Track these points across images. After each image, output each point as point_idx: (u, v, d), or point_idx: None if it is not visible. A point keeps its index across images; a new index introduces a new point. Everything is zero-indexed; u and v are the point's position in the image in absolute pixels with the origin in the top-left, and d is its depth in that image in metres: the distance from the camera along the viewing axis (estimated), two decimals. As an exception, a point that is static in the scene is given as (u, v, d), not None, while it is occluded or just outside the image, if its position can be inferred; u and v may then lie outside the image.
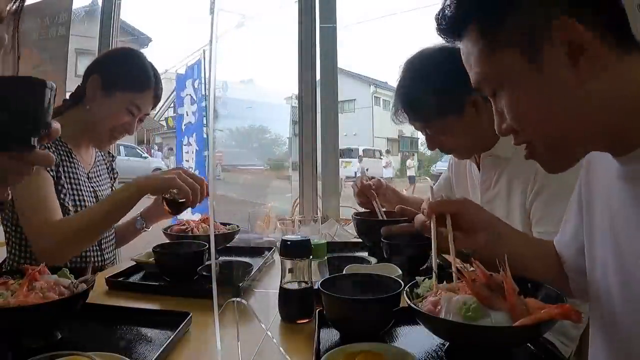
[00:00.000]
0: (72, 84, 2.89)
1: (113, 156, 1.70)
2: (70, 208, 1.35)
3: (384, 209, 1.56)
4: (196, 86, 3.87)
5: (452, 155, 1.47)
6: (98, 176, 1.53)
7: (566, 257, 0.91)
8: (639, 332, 0.67)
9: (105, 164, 1.63)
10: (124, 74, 1.41)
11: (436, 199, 0.97)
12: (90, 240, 1.33)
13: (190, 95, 3.91)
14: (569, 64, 0.64)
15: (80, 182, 1.41)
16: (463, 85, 1.22)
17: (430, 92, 1.24)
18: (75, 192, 1.38)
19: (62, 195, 1.33)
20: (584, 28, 0.61)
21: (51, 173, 1.30)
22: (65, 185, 1.36)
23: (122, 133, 1.46)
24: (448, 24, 0.76)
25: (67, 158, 1.39)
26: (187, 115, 3.95)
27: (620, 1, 0.62)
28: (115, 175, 1.67)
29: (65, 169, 1.37)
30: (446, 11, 0.76)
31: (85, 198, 1.41)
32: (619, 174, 0.70)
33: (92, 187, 1.47)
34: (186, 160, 3.92)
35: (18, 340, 0.79)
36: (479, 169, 1.39)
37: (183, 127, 3.98)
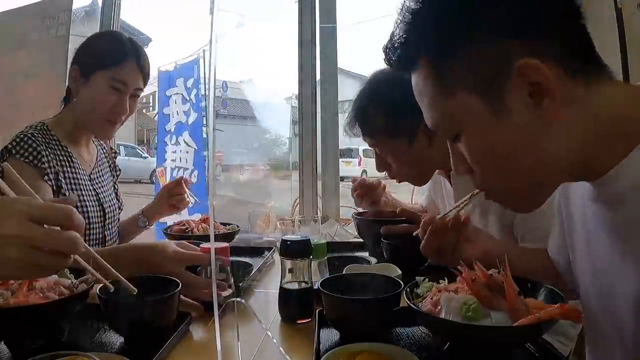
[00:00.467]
0: (72, 83, 2.88)
1: (115, 152, 1.68)
2: None
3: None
4: (189, 85, 3.81)
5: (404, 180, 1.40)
6: (100, 176, 1.51)
7: (559, 266, 0.91)
8: (616, 343, 0.68)
9: (108, 161, 1.61)
10: (97, 54, 1.36)
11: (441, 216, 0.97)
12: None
13: (181, 94, 3.84)
14: (532, 105, 0.60)
15: (82, 186, 1.40)
16: (418, 113, 1.21)
17: (384, 109, 1.21)
18: (77, 199, 1.37)
19: (62, 190, 1.32)
20: (546, 66, 0.58)
21: (49, 183, 1.28)
22: (67, 193, 1.34)
23: (117, 115, 1.37)
24: (397, 59, 0.70)
25: (67, 163, 1.37)
26: (177, 114, 3.86)
27: (580, 20, 0.60)
28: (118, 173, 1.65)
29: (67, 174, 1.35)
30: (395, 44, 0.69)
31: (87, 203, 1.39)
32: (592, 197, 0.68)
33: (93, 188, 1.45)
34: (172, 160, 3.86)
35: (18, 340, 0.79)
36: (451, 184, 1.35)
37: (172, 127, 3.88)
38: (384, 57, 0.73)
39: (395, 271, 1.11)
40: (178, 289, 0.84)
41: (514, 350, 0.78)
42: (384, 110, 1.21)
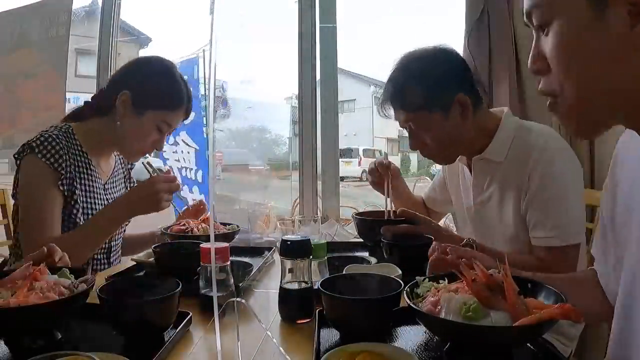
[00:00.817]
0: (72, 84, 2.90)
1: (132, 164, 1.68)
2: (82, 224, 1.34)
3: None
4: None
5: (434, 162, 1.44)
6: (114, 187, 1.52)
7: (607, 281, 0.88)
8: None
9: (123, 172, 1.62)
10: (157, 93, 1.37)
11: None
12: (80, 259, 1.27)
13: None
14: (628, 23, 0.59)
15: (95, 194, 1.40)
16: (453, 85, 1.25)
17: (419, 82, 1.24)
18: (89, 206, 1.37)
19: (74, 211, 1.33)
20: None
21: (62, 188, 1.29)
22: (80, 200, 1.34)
23: (152, 149, 1.45)
24: None
25: (84, 170, 1.37)
26: None
27: None
28: (132, 185, 1.66)
29: (83, 181, 1.36)
30: None
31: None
32: None
33: (106, 198, 1.46)
34: (176, 160, 3.82)
35: (18, 340, 0.79)
36: (471, 172, 1.38)
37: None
38: None
39: (395, 271, 1.11)
40: (178, 289, 0.84)
41: (514, 350, 0.78)
42: (419, 83, 1.25)
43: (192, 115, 3.77)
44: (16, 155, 1.32)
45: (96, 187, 1.41)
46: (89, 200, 1.37)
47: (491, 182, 1.31)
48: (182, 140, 3.83)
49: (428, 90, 1.23)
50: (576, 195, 1.20)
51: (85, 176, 1.37)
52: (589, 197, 1.61)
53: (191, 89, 1.47)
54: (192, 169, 3.78)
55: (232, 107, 3.99)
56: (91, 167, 1.40)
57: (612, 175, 0.83)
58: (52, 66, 2.74)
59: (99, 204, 1.40)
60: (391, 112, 1.33)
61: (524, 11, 0.71)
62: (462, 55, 2.10)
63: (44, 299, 0.77)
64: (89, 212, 1.36)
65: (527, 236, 1.22)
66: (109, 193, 1.48)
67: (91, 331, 0.88)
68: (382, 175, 1.56)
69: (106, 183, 1.47)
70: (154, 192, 1.31)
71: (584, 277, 0.95)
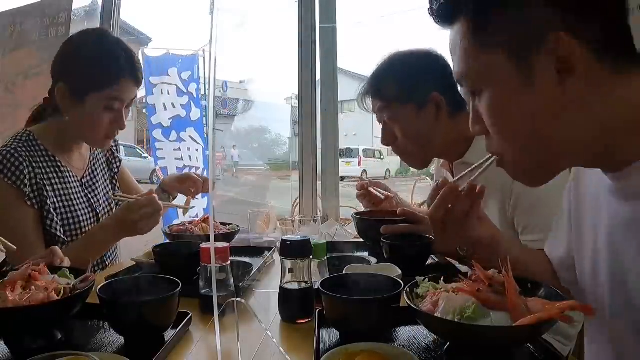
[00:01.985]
0: (72, 84, 2.87)
1: (115, 141, 1.57)
2: (61, 235, 1.29)
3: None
4: (185, 78, 3.69)
5: (406, 163, 1.44)
6: (93, 178, 1.46)
7: (559, 268, 0.91)
8: (629, 336, 0.68)
9: (105, 155, 1.55)
10: (88, 73, 1.25)
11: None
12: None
13: (175, 85, 3.69)
14: (557, 80, 0.61)
15: (72, 195, 1.35)
16: (430, 82, 1.26)
17: (398, 73, 1.27)
18: (66, 210, 1.32)
19: (52, 224, 1.27)
20: (578, 45, 0.58)
21: (30, 203, 1.23)
22: (54, 208, 1.29)
23: (114, 130, 1.34)
24: (439, 9, 0.72)
25: (55, 174, 1.32)
26: (173, 107, 3.64)
27: (626, 18, 0.60)
28: (118, 164, 1.59)
29: (55, 186, 1.31)
30: None
31: (79, 213, 1.35)
32: (610, 190, 0.68)
33: (85, 194, 1.41)
34: (176, 158, 3.71)
35: (18, 340, 0.79)
36: (453, 177, 1.37)
37: (168, 121, 3.64)
38: (428, 6, 0.74)
39: (395, 271, 1.11)
40: (178, 289, 0.84)
41: (514, 350, 0.78)
42: (397, 73, 1.28)
43: (195, 111, 3.71)
44: None
45: (71, 188, 1.36)
46: (66, 203, 1.32)
47: None
48: (189, 136, 3.74)
49: (404, 82, 1.26)
50: (557, 200, 1.20)
51: (57, 180, 1.32)
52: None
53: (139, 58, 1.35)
54: (199, 167, 3.71)
55: (232, 107, 3.97)
56: (61, 168, 1.34)
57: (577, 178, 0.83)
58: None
59: (77, 203, 1.36)
60: (370, 105, 1.36)
61: (455, 79, 0.73)
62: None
63: (44, 299, 0.77)
64: (68, 215, 1.32)
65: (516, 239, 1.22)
66: (87, 187, 1.43)
67: (91, 331, 0.88)
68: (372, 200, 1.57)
69: (83, 177, 1.42)
70: (130, 223, 1.23)
71: (535, 252, 0.99)
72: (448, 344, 0.79)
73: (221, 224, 1.59)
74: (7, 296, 0.77)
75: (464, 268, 1.14)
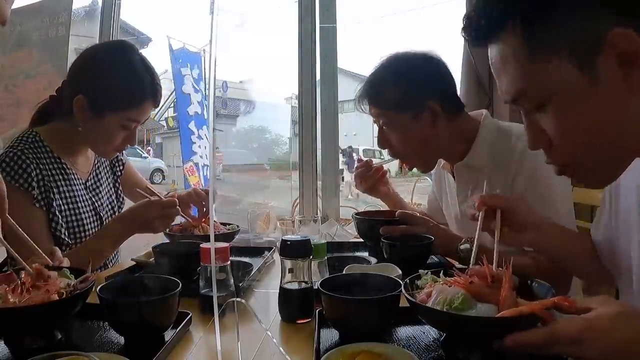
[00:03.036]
0: (72, 84, 2.86)
1: (122, 160, 1.60)
2: (66, 237, 1.28)
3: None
4: (194, 75, 3.67)
5: (404, 164, 1.44)
6: (97, 181, 1.46)
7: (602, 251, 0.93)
8: None
9: (110, 162, 1.56)
10: (112, 92, 1.25)
11: (490, 193, 0.96)
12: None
13: (191, 79, 3.64)
14: (621, 75, 0.60)
15: (77, 197, 1.35)
16: (427, 91, 1.26)
17: (394, 81, 1.26)
18: (71, 213, 1.32)
19: (57, 226, 1.26)
20: (638, 36, 0.58)
21: (38, 205, 1.23)
22: (61, 208, 1.28)
23: (124, 145, 1.35)
24: (482, 21, 0.68)
25: (60, 177, 1.31)
26: (192, 103, 3.61)
27: None
28: (121, 167, 1.59)
29: (60, 188, 1.30)
30: (482, 5, 0.67)
31: (83, 217, 1.35)
32: None
33: (89, 197, 1.41)
34: (200, 156, 3.63)
35: (18, 340, 0.79)
36: (454, 179, 1.37)
37: (193, 117, 3.54)
38: (462, 25, 0.71)
39: (395, 271, 1.11)
40: (178, 289, 0.84)
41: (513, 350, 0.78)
42: (394, 80, 1.26)
43: (199, 105, 3.65)
44: None
45: (76, 190, 1.35)
46: (71, 206, 1.32)
47: (474, 188, 1.31)
48: (205, 135, 3.67)
49: (401, 90, 1.25)
50: (563, 195, 1.20)
51: (63, 182, 1.31)
52: (583, 196, 1.61)
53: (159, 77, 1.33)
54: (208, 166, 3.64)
55: (232, 107, 3.96)
56: (67, 171, 1.33)
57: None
58: (52, 66, 2.74)
59: (82, 206, 1.36)
60: (365, 105, 1.35)
61: (509, 98, 0.70)
62: (462, 55, 2.11)
63: (44, 299, 0.77)
64: (73, 218, 1.32)
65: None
66: (92, 190, 1.43)
67: (91, 331, 0.88)
68: (366, 177, 1.57)
69: (87, 181, 1.41)
70: (147, 219, 1.25)
71: (584, 235, 1.00)
72: (448, 343, 0.80)
73: (221, 224, 1.59)
74: (7, 296, 0.77)
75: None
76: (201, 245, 1.00)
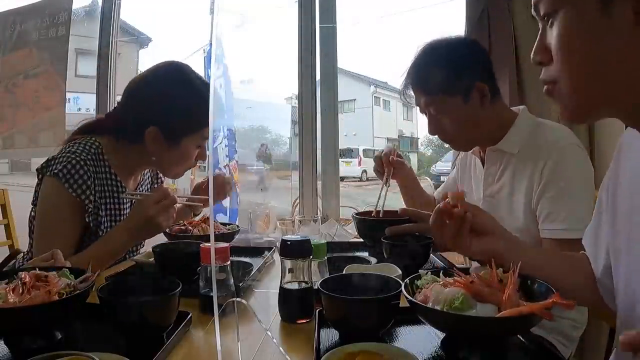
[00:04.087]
0: (72, 84, 2.89)
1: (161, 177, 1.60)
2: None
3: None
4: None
5: (451, 147, 1.47)
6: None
7: (596, 261, 0.89)
8: None
9: (150, 177, 1.56)
10: (186, 119, 1.28)
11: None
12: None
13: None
14: (632, 21, 0.60)
15: (123, 217, 1.35)
16: (474, 72, 1.28)
17: (442, 66, 1.27)
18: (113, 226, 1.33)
19: (101, 226, 1.28)
20: None
21: (88, 219, 1.23)
22: (105, 227, 1.30)
23: (195, 163, 1.37)
24: None
25: (111, 194, 1.31)
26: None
27: None
28: (159, 183, 1.59)
29: (109, 205, 1.31)
30: None
31: None
32: None
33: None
34: (226, 156, 3.65)
35: (18, 340, 0.79)
36: (483, 165, 1.39)
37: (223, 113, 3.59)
38: None
39: (395, 271, 1.11)
40: (178, 289, 0.84)
41: (513, 348, 0.78)
42: (440, 65, 1.28)
43: None
44: (39, 169, 1.26)
45: (123, 209, 1.36)
46: (114, 224, 1.32)
47: (503, 173, 1.32)
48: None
49: (450, 74, 1.26)
50: (586, 192, 1.20)
51: (112, 200, 1.31)
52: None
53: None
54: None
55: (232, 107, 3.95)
56: (119, 188, 1.33)
57: (616, 166, 0.83)
58: (52, 66, 2.74)
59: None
60: (410, 96, 1.35)
61: (532, 1, 0.71)
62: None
63: (44, 299, 0.77)
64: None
65: (536, 229, 1.22)
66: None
67: (91, 331, 0.88)
68: (384, 166, 1.58)
69: (133, 200, 1.38)
70: (148, 219, 1.19)
71: (579, 258, 0.95)
72: (448, 344, 0.80)
73: (221, 224, 1.59)
74: (7, 296, 0.77)
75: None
76: (201, 245, 1.00)
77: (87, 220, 1.24)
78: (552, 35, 0.69)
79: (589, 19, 0.64)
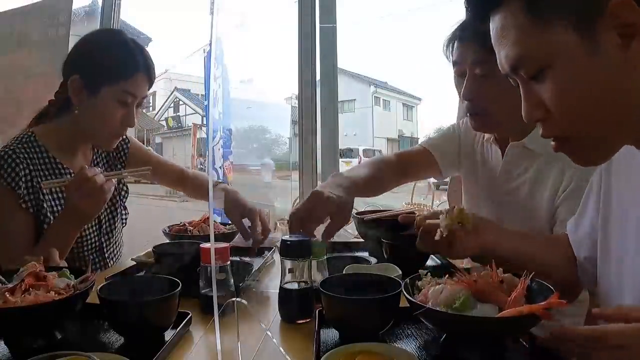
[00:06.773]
0: (72, 84, 2.86)
1: (125, 139, 1.52)
2: None
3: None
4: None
5: (472, 122, 1.28)
6: None
7: (579, 249, 0.92)
8: None
9: (104, 157, 1.51)
10: (105, 65, 1.25)
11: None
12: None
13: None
14: (621, 46, 0.59)
15: None
16: None
17: None
18: None
19: (45, 226, 1.24)
20: (638, 6, 0.57)
21: (25, 205, 1.21)
22: (53, 209, 1.26)
23: (125, 128, 1.32)
24: None
25: (53, 177, 1.28)
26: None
27: None
28: (126, 150, 1.54)
29: (53, 189, 1.28)
30: None
31: None
32: None
33: None
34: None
35: (18, 340, 0.79)
36: (502, 156, 1.31)
37: (219, 114, 3.53)
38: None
39: (395, 271, 1.11)
40: (178, 289, 0.84)
41: (513, 348, 0.78)
42: None
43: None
44: None
45: None
46: (64, 207, 1.29)
47: (525, 172, 1.25)
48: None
49: None
50: None
51: (57, 185, 1.27)
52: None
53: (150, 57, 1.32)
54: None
55: (232, 107, 3.93)
56: (62, 170, 1.31)
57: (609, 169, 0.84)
58: (52, 66, 2.73)
59: None
60: (456, 53, 1.23)
61: (508, 66, 0.69)
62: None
63: (44, 299, 0.77)
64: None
65: (551, 231, 1.18)
66: None
67: (91, 331, 0.88)
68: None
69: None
70: (73, 208, 1.15)
71: (557, 237, 0.99)
72: (448, 344, 0.80)
73: (221, 224, 1.59)
74: (7, 296, 0.77)
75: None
76: (201, 245, 1.00)
77: (23, 206, 1.21)
78: (547, 92, 0.66)
79: (581, 62, 0.62)
